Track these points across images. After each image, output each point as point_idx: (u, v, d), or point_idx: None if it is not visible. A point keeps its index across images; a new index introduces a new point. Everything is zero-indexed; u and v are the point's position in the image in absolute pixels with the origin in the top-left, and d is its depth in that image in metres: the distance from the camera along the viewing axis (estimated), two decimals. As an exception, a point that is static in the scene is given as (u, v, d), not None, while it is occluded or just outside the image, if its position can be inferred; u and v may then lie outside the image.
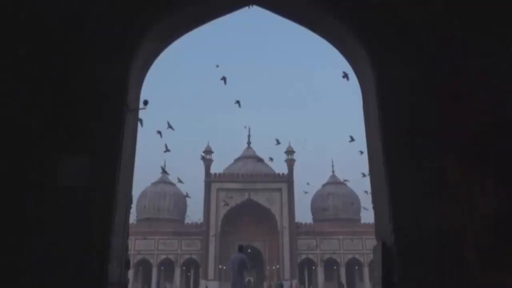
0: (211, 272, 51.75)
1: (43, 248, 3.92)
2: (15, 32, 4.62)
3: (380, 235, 4.56)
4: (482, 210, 4.07)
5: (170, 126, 34.27)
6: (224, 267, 52.12)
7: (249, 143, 61.30)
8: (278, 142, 47.97)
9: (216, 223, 52.92)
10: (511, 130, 4.29)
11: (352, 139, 36.25)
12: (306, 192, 49.64)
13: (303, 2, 5.29)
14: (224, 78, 31.69)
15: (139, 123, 5.24)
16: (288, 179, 54.51)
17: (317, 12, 5.20)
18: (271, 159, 50.63)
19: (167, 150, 37.64)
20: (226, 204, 51.29)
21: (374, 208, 4.94)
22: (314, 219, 57.77)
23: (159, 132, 33.97)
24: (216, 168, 56.18)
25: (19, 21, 4.67)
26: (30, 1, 4.80)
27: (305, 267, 53.25)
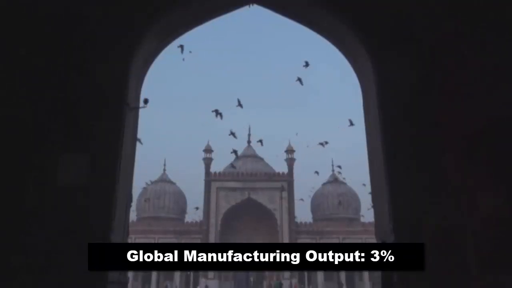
0: (210, 271, 51.75)
1: (43, 246, 3.93)
2: (15, 32, 4.62)
3: (380, 235, 4.56)
4: (482, 210, 4.07)
5: (239, 104, 32.25)
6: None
7: (249, 142, 61.24)
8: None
9: (216, 222, 52.91)
10: (511, 130, 4.29)
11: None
12: (302, 200, 49.16)
13: (303, 1, 5.29)
14: (300, 79, 29.61)
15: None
16: (288, 178, 54.49)
17: (317, 11, 5.20)
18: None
19: (232, 133, 35.32)
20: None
21: (374, 207, 4.94)
22: (314, 218, 57.76)
23: (219, 114, 31.62)
24: (216, 167, 56.15)
25: (20, 21, 4.67)
26: (31, 0, 4.80)
27: (304, 266, 53.00)
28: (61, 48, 4.59)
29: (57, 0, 4.82)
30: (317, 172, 44.53)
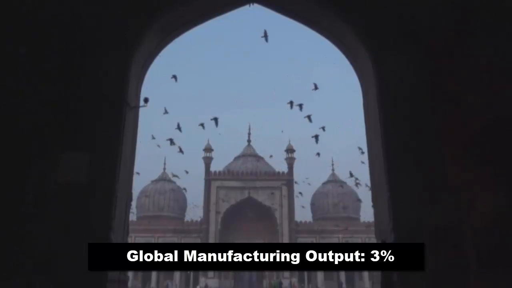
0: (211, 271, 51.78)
1: (44, 245, 3.93)
2: (16, 32, 4.62)
3: (380, 234, 4.56)
4: (482, 209, 4.07)
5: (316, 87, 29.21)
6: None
7: (249, 141, 61.23)
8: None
9: (216, 221, 52.93)
10: (511, 130, 4.29)
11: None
12: (300, 193, 49.04)
13: (303, 0, 5.29)
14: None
15: None
16: (288, 178, 54.52)
17: (318, 10, 5.19)
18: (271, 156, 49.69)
19: (308, 118, 32.56)
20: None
21: (374, 206, 4.94)
22: (314, 218, 57.78)
23: (295, 104, 29.04)
24: (216, 166, 56.16)
25: (20, 21, 4.66)
26: (31, 1, 4.79)
27: (304, 266, 53.04)
28: (62, 48, 4.59)
29: (58, 0, 4.81)
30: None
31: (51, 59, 4.54)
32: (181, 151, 34.10)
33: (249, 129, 62.12)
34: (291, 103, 28.54)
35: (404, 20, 4.77)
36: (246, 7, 5.63)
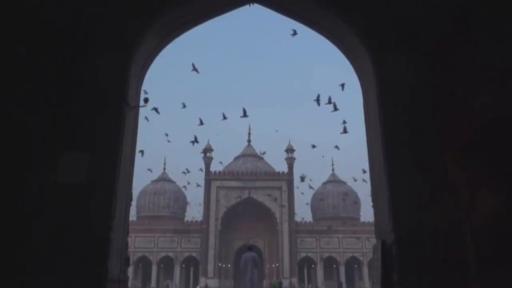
0: (210, 270, 51.85)
1: (44, 245, 3.93)
2: (15, 31, 4.62)
3: (380, 234, 4.57)
4: (482, 209, 4.07)
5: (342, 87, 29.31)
6: (224, 265, 52.18)
7: (249, 141, 61.30)
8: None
9: (216, 221, 52.98)
10: (511, 130, 4.29)
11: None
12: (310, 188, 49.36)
13: (303, 0, 5.29)
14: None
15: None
16: (288, 178, 54.55)
17: (318, 10, 5.20)
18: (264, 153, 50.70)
19: (334, 106, 33.22)
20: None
21: (374, 206, 4.94)
22: (314, 218, 57.82)
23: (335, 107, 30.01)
24: (216, 166, 56.17)
25: (20, 20, 4.66)
26: (31, -1, 4.80)
27: (304, 266, 53.37)
28: (62, 47, 4.59)
29: (58, 0, 4.81)
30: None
31: (51, 59, 4.55)
32: (204, 152, 36.59)
33: (249, 129, 62.16)
34: (318, 99, 29.85)
35: (404, 20, 4.77)
36: (246, 7, 5.63)
